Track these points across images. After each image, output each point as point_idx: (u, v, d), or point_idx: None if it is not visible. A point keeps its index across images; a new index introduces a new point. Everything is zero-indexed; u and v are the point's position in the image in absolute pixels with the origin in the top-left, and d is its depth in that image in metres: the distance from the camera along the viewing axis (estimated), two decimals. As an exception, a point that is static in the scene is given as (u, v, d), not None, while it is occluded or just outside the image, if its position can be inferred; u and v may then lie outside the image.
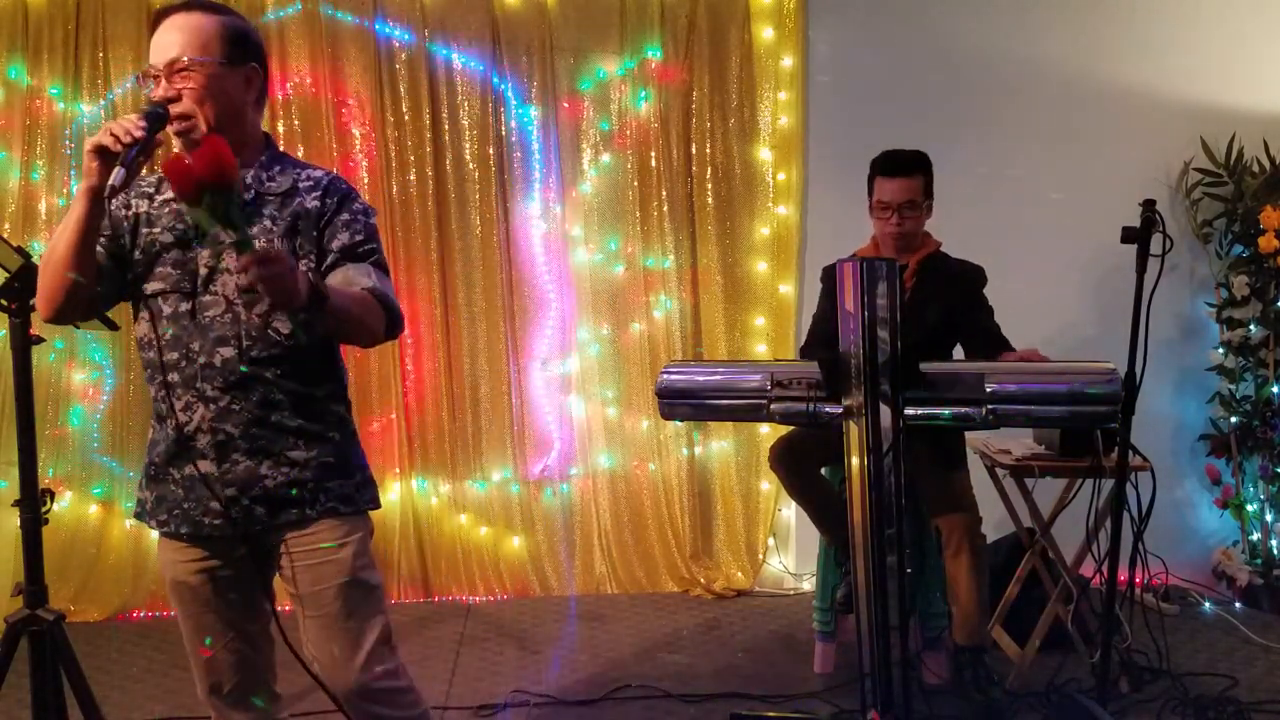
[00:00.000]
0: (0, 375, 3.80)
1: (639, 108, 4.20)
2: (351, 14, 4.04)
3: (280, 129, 4.02)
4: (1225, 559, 4.14)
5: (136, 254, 1.85)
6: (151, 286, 1.84)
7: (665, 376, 2.35)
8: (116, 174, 1.63)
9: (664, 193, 4.20)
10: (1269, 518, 4.04)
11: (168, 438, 1.85)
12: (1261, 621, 3.82)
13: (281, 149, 1.99)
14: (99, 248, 1.79)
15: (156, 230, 1.85)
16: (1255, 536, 4.08)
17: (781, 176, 4.25)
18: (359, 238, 1.87)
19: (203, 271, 1.82)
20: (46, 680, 2.13)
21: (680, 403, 2.36)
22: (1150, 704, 3.01)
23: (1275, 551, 4.00)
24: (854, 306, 2.08)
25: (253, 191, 1.85)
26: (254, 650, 1.96)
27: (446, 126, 4.12)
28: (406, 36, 4.07)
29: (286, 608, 1.93)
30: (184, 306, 1.82)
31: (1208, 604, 3.99)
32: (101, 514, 4.02)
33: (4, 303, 2.11)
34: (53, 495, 2.20)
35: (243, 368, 1.80)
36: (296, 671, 1.91)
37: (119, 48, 3.95)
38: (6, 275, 2.12)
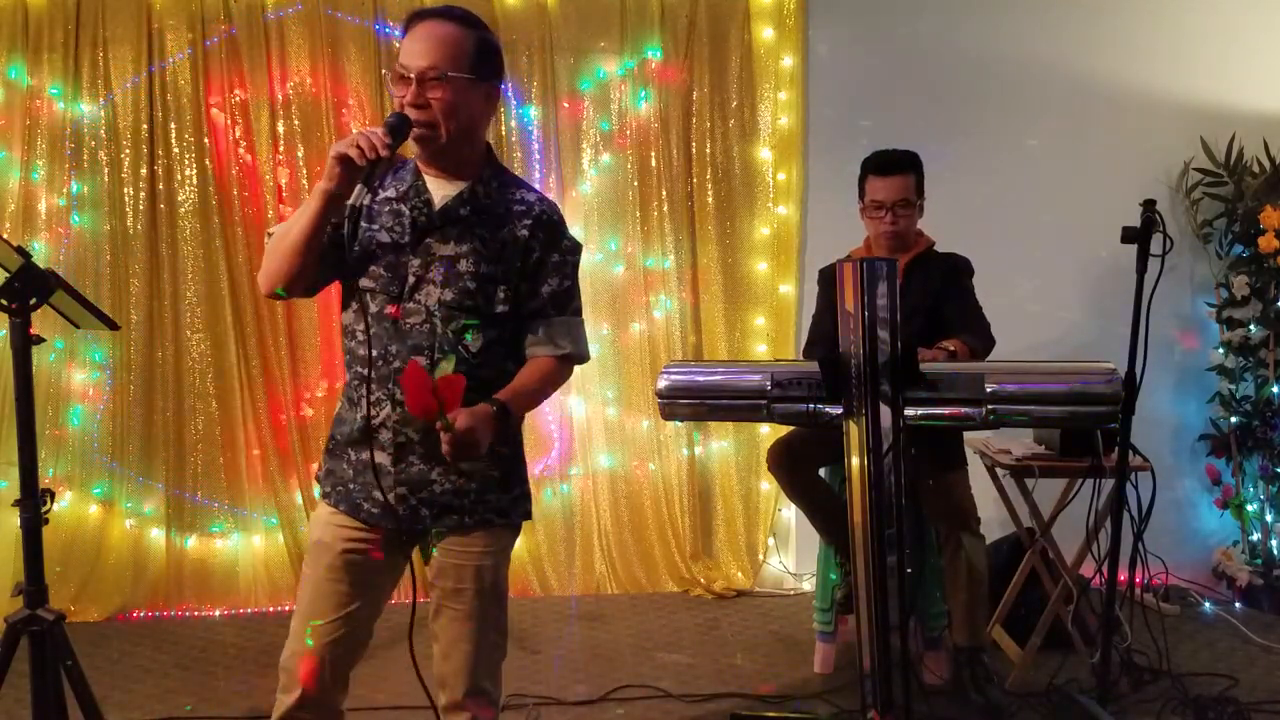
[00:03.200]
0: (0, 375, 3.81)
1: (639, 108, 4.20)
2: (351, 14, 4.03)
3: (280, 129, 4.02)
4: (1225, 559, 4.14)
5: (355, 247, 1.90)
6: (364, 282, 1.90)
7: (665, 376, 2.35)
8: (358, 193, 1.74)
9: (664, 193, 4.20)
10: (1269, 518, 4.04)
11: (355, 422, 1.92)
12: (1261, 621, 3.82)
13: (497, 160, 2.03)
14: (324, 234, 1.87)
15: (375, 228, 1.90)
16: (1255, 536, 4.08)
17: (781, 176, 4.25)
18: (567, 284, 1.97)
19: (410, 279, 1.87)
20: (46, 680, 2.14)
21: (680, 403, 2.36)
22: (1150, 704, 3.01)
23: (1275, 551, 4.00)
24: (853, 307, 2.08)
25: (469, 206, 1.90)
26: (354, 637, 1.98)
27: (447, 126, 4.11)
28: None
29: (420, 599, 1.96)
30: (389, 309, 1.88)
31: (1208, 604, 3.99)
32: (101, 514, 4.02)
33: (4, 302, 2.11)
34: (53, 495, 2.20)
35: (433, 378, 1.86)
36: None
37: (119, 48, 3.95)
38: (7, 275, 2.12)
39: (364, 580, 1.94)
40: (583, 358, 2.01)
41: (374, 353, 1.88)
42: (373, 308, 1.89)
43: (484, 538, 1.95)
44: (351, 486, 1.93)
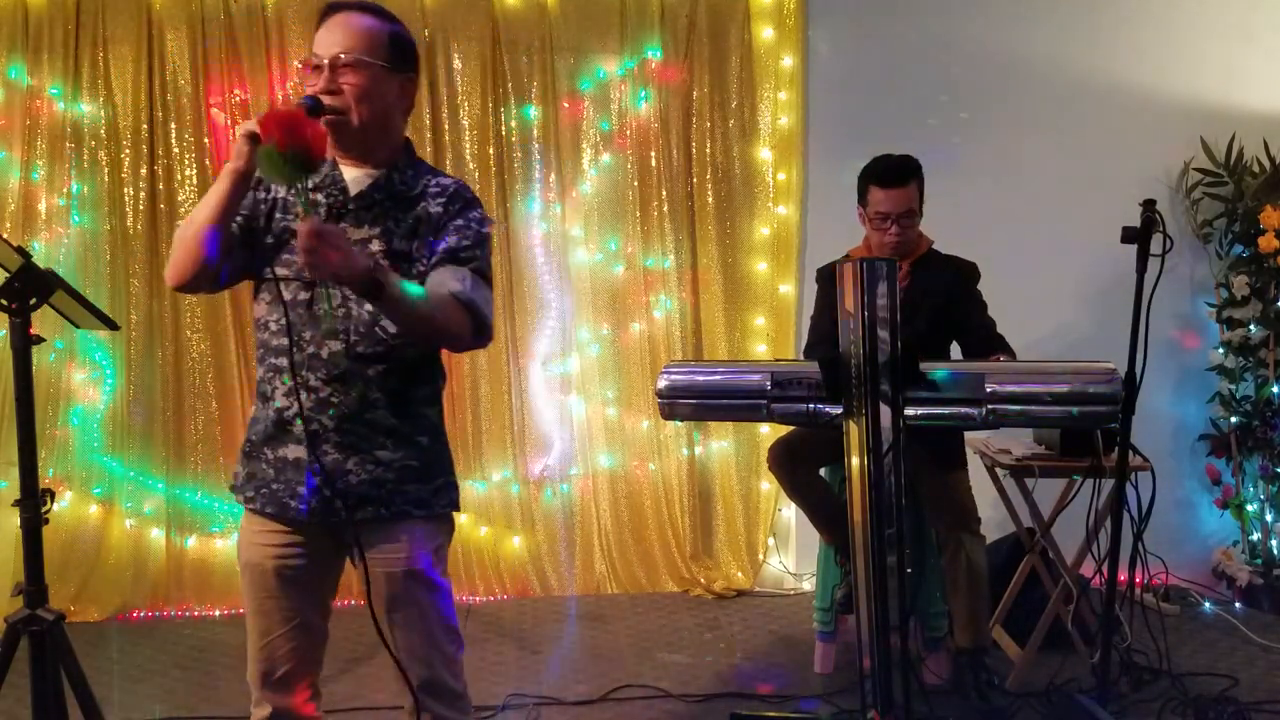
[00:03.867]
0: (0, 375, 3.81)
1: (639, 108, 4.20)
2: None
3: (280, 129, 4.01)
4: (1225, 559, 4.14)
5: (268, 238, 1.88)
6: (276, 271, 1.87)
7: (665, 376, 2.35)
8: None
9: (664, 193, 4.20)
10: (1269, 518, 4.04)
11: (268, 418, 1.88)
12: (1261, 621, 3.82)
13: (415, 153, 2.02)
14: (234, 226, 1.84)
15: (290, 217, 1.88)
16: (1255, 536, 4.08)
17: (781, 176, 4.25)
18: (465, 242, 1.89)
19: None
20: (46, 680, 2.13)
21: (680, 403, 2.36)
22: (1150, 704, 3.01)
23: (1275, 551, 4.00)
24: (854, 307, 2.08)
25: (384, 191, 1.89)
26: (310, 642, 1.97)
27: (446, 126, 4.12)
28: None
29: (348, 602, 1.93)
30: (302, 295, 1.85)
31: (1208, 604, 3.99)
32: (101, 514, 4.02)
33: (4, 302, 2.11)
34: (53, 495, 2.19)
35: (347, 362, 1.84)
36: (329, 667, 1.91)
37: (119, 48, 3.95)
38: (7, 275, 2.12)
39: (304, 587, 1.92)
40: (477, 308, 1.83)
41: (285, 341, 1.84)
42: (287, 295, 1.85)
43: (407, 539, 1.89)
44: (275, 487, 1.88)
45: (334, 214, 1.86)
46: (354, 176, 1.89)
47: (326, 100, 1.79)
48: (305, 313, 1.85)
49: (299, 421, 1.84)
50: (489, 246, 1.95)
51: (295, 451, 1.86)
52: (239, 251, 1.87)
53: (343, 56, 1.81)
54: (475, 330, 1.86)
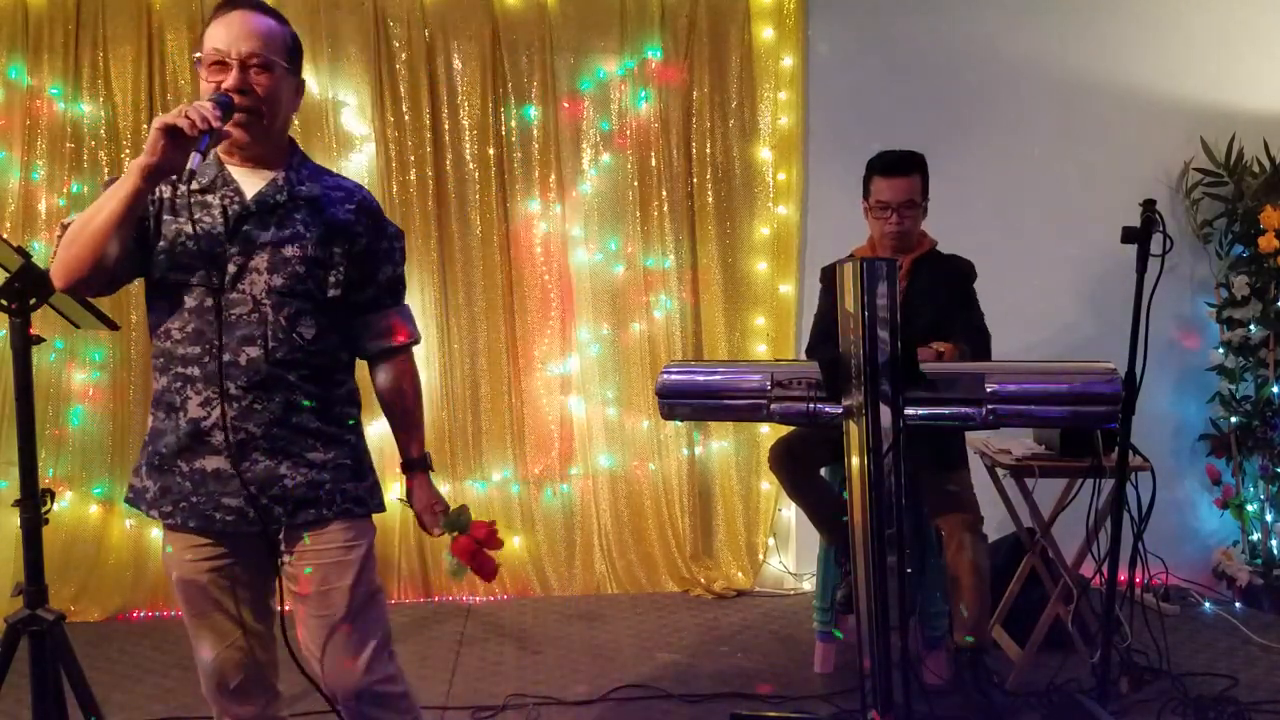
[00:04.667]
0: (0, 375, 3.80)
1: (639, 108, 4.20)
2: (352, 13, 4.03)
3: (280, 129, 4.01)
4: (1225, 559, 4.14)
5: (160, 241, 1.83)
6: (173, 276, 1.82)
7: (665, 376, 2.35)
8: (194, 159, 1.64)
9: (664, 193, 4.20)
10: (1269, 518, 4.04)
11: (179, 429, 1.83)
12: (1261, 621, 3.82)
13: (301, 150, 2.01)
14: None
15: (181, 220, 1.82)
16: (1255, 536, 4.08)
17: (781, 176, 4.25)
18: (398, 271, 2.01)
19: (231, 269, 1.81)
20: (46, 680, 2.13)
21: (680, 403, 2.36)
22: (1150, 704, 3.01)
23: (1275, 551, 4.00)
24: (854, 306, 2.08)
25: (285, 193, 1.87)
26: (260, 649, 1.96)
27: (446, 126, 4.12)
28: (407, 36, 4.06)
29: (287, 608, 1.93)
30: (209, 302, 1.81)
31: (1208, 604, 3.99)
32: (101, 514, 4.02)
33: (4, 303, 2.11)
34: (53, 495, 2.19)
35: (268, 368, 1.81)
36: (296, 671, 1.91)
37: (119, 48, 3.95)
38: (7, 275, 2.12)
39: (241, 594, 1.91)
40: (418, 340, 2.09)
41: (195, 349, 1.80)
42: (189, 302, 1.81)
43: (344, 530, 1.89)
44: (195, 500, 1.83)
45: (234, 218, 1.82)
46: (246, 179, 1.85)
47: (237, 99, 1.76)
48: (214, 320, 1.80)
49: (218, 432, 1.80)
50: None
51: (215, 462, 1.82)
52: (135, 252, 1.81)
53: (255, 57, 1.79)
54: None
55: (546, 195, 4.19)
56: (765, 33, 4.21)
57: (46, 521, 2.16)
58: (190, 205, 1.82)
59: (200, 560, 1.88)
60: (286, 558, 1.88)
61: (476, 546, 2.01)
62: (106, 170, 3.96)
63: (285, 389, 1.83)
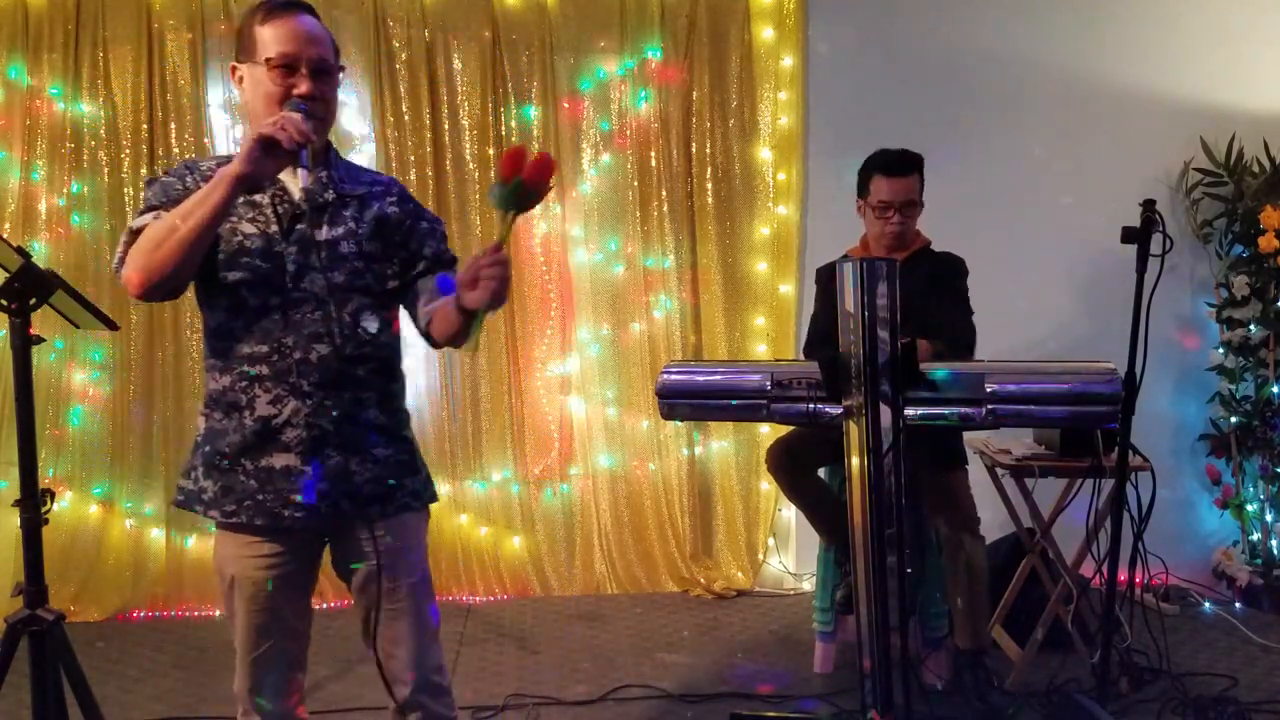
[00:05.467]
0: (0, 375, 3.80)
1: (639, 108, 4.20)
2: (351, 13, 4.03)
3: (280, 129, 4.01)
4: (1225, 559, 4.14)
5: (220, 243, 1.83)
6: (233, 276, 1.82)
7: (665, 376, 2.35)
8: (303, 176, 1.69)
9: (664, 193, 4.20)
10: (1269, 518, 4.04)
11: (244, 428, 1.83)
12: (1261, 621, 3.82)
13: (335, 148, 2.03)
14: None
15: (234, 220, 1.83)
16: (1255, 536, 4.08)
17: (781, 176, 4.25)
18: (443, 246, 2.01)
19: (290, 268, 1.83)
20: (46, 680, 2.13)
21: (680, 403, 2.36)
22: (1150, 704, 3.01)
23: (1275, 551, 4.00)
24: (853, 307, 2.08)
25: (332, 191, 1.89)
26: (299, 649, 1.98)
27: (446, 126, 4.12)
28: (407, 36, 4.06)
29: (346, 602, 1.93)
30: (273, 301, 1.82)
31: (1208, 604, 3.99)
32: (101, 514, 4.02)
33: (4, 302, 2.11)
34: (53, 495, 2.19)
35: (338, 365, 1.83)
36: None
37: (119, 48, 3.95)
38: (6, 275, 2.12)
39: (292, 594, 1.93)
40: None
41: (263, 348, 1.81)
42: (252, 302, 1.82)
43: (405, 529, 1.93)
44: (261, 498, 1.83)
45: (288, 218, 1.83)
46: (290, 179, 1.85)
47: (308, 106, 1.77)
48: (280, 319, 1.82)
49: (290, 429, 1.82)
50: None
51: (283, 460, 1.83)
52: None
53: (322, 62, 1.81)
54: None
55: (546, 195, 4.18)
56: (765, 33, 4.21)
57: (46, 521, 2.15)
58: (241, 206, 1.84)
59: (258, 558, 1.89)
60: (362, 552, 1.90)
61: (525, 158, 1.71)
62: (106, 170, 3.96)
63: (354, 385, 1.86)
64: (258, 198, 1.84)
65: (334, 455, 1.84)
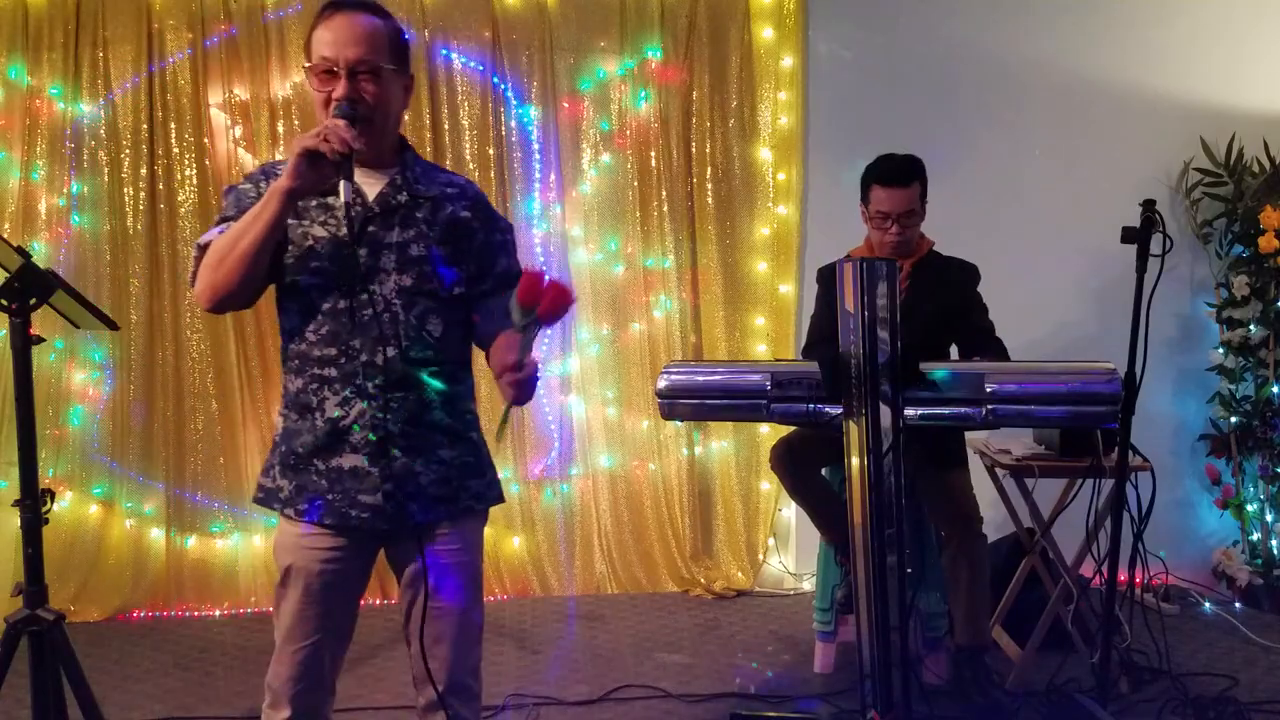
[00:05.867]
0: (0, 375, 3.81)
1: (639, 108, 4.20)
2: (351, 14, 4.03)
3: (280, 129, 4.02)
4: (1225, 559, 4.14)
5: (290, 246, 1.85)
6: (304, 280, 1.84)
7: (665, 376, 2.35)
8: (345, 189, 1.68)
9: (664, 193, 4.21)
10: (1269, 518, 4.04)
11: (315, 429, 1.86)
12: (1261, 621, 3.83)
13: (412, 147, 2.00)
14: None
15: (306, 224, 1.85)
16: (1255, 536, 4.08)
17: (781, 176, 4.25)
18: (512, 262, 2.00)
19: (361, 270, 1.83)
20: (46, 680, 2.13)
21: (680, 403, 2.36)
22: (1150, 704, 3.01)
23: (1275, 551, 4.00)
24: (854, 307, 2.08)
25: (404, 193, 1.88)
26: (339, 647, 1.97)
27: (446, 126, 4.12)
28: (407, 36, 4.05)
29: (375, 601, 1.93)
30: (342, 304, 1.83)
31: (1208, 604, 3.99)
32: (101, 514, 4.02)
33: (4, 302, 2.11)
34: (53, 495, 2.19)
35: (404, 366, 1.84)
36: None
37: (119, 47, 3.95)
38: (7, 275, 2.12)
39: (342, 594, 1.92)
40: None
41: (332, 350, 1.83)
42: (323, 305, 1.83)
43: (463, 531, 1.94)
44: (331, 497, 1.86)
45: (360, 220, 1.84)
46: (364, 180, 1.86)
47: (352, 109, 1.78)
48: (349, 321, 1.83)
49: (356, 429, 1.84)
50: None
51: (352, 460, 1.85)
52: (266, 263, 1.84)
53: (362, 63, 1.78)
54: None
55: (546, 195, 4.20)
56: (765, 33, 4.21)
57: (46, 521, 2.16)
58: (313, 209, 1.85)
59: (319, 550, 1.89)
60: (419, 551, 1.91)
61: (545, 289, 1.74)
62: (106, 170, 3.96)
63: (419, 386, 1.87)
64: (330, 200, 1.84)
65: (400, 457, 1.86)
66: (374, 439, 1.84)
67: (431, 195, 1.91)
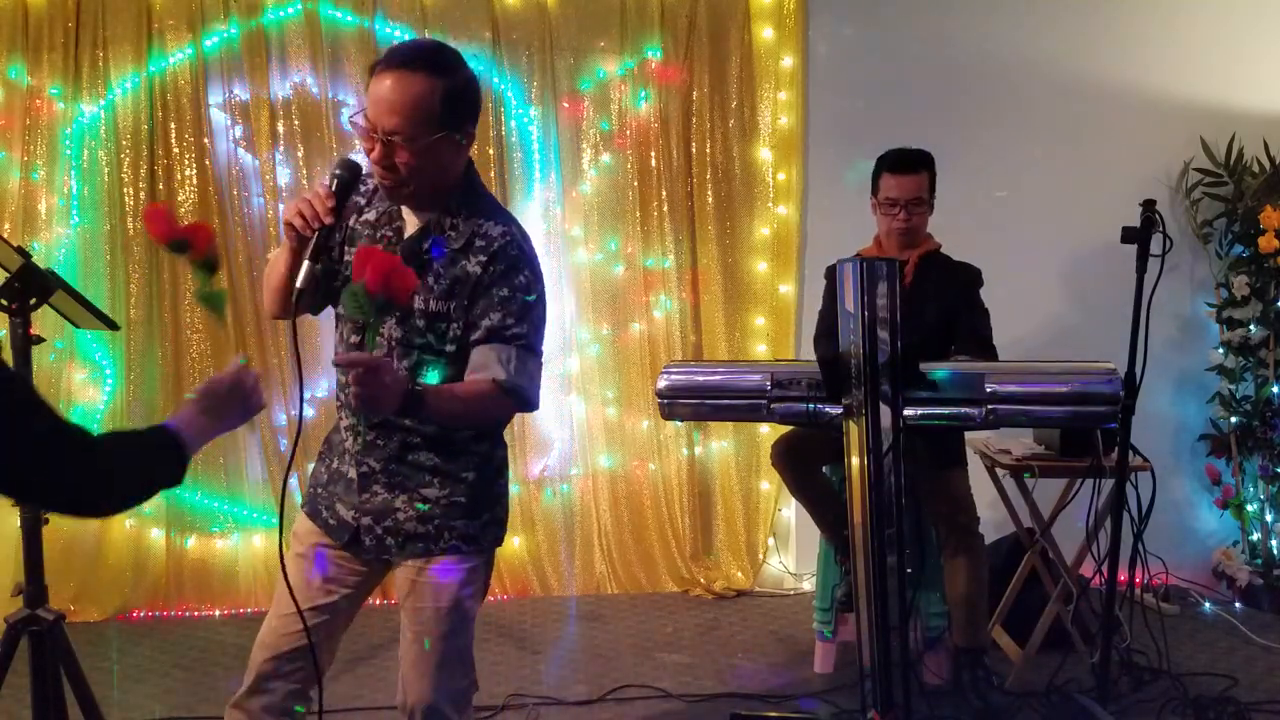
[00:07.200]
0: (0, 375, 3.80)
1: (639, 108, 4.20)
2: (351, 14, 4.04)
3: (280, 129, 4.02)
4: (1225, 559, 4.14)
5: (345, 270, 1.91)
6: (336, 309, 1.96)
7: (665, 376, 2.35)
8: (304, 274, 1.68)
9: (664, 193, 4.20)
10: (1269, 518, 4.04)
11: (339, 429, 1.99)
12: (1261, 621, 3.82)
13: (474, 184, 1.94)
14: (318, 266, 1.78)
15: (350, 253, 1.91)
16: (1255, 536, 4.08)
17: (781, 176, 4.25)
18: (509, 320, 1.83)
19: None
20: (46, 680, 2.13)
21: (680, 403, 2.35)
22: (1150, 704, 3.01)
23: (1275, 551, 4.00)
24: (854, 306, 2.08)
25: (429, 241, 1.85)
26: (327, 636, 1.96)
27: (446, 126, 4.11)
28: (407, 36, 4.06)
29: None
30: (354, 339, 1.91)
31: (1208, 604, 3.99)
32: (101, 514, 4.02)
33: (4, 302, 2.11)
34: (53, 495, 2.19)
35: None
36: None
37: (119, 47, 3.95)
38: (7, 275, 2.12)
39: (336, 583, 1.94)
40: (521, 391, 1.84)
41: (342, 378, 1.91)
42: (346, 334, 1.94)
43: (446, 566, 1.90)
44: (319, 491, 1.98)
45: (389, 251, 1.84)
46: (411, 217, 1.89)
47: (379, 174, 1.78)
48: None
49: (348, 458, 1.94)
50: (537, 311, 1.89)
51: (350, 470, 1.93)
52: (322, 285, 1.86)
53: (397, 134, 1.73)
54: (519, 408, 1.91)
55: (547, 195, 4.19)
56: (765, 33, 4.21)
57: (46, 521, 2.16)
58: (363, 238, 1.90)
59: (322, 543, 1.96)
60: (399, 577, 1.94)
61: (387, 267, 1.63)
62: (106, 170, 3.96)
63: (402, 430, 1.88)
64: (379, 233, 1.89)
65: (380, 492, 1.89)
66: (357, 474, 1.90)
67: (455, 248, 1.85)
